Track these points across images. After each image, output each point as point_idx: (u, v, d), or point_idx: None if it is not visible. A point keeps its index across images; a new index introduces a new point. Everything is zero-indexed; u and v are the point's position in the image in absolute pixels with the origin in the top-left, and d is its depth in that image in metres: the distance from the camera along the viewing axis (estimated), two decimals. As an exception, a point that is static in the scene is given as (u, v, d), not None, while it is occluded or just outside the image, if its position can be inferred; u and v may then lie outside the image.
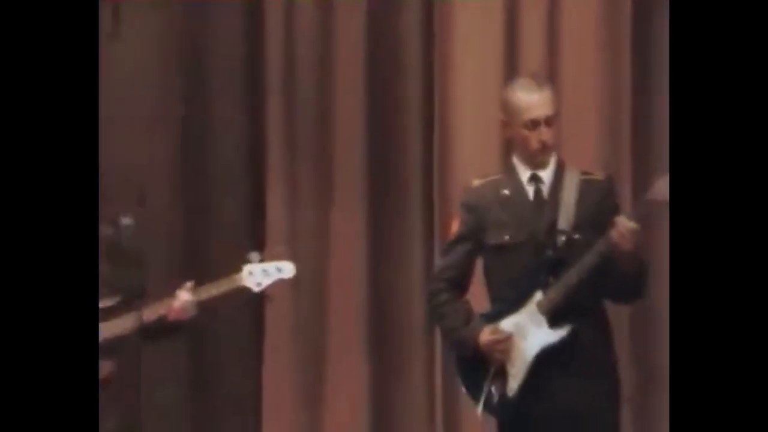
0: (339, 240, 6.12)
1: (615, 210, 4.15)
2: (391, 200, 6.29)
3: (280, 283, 4.84)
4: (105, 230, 4.83)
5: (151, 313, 4.69)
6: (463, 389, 4.52)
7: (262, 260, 4.85)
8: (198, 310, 4.72)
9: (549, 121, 3.90)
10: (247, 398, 6.25)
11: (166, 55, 6.19)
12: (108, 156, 4.89)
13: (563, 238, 4.08)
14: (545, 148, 3.92)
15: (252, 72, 6.21)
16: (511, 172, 4.33)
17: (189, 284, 4.67)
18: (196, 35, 6.34)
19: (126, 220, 5.03)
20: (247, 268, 4.80)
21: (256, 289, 4.83)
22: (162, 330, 4.81)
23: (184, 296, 4.69)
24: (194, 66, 6.29)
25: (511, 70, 5.52)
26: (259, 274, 4.83)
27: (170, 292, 4.73)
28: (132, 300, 4.78)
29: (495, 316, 4.14)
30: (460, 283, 4.30)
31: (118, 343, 4.71)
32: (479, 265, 4.49)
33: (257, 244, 5.77)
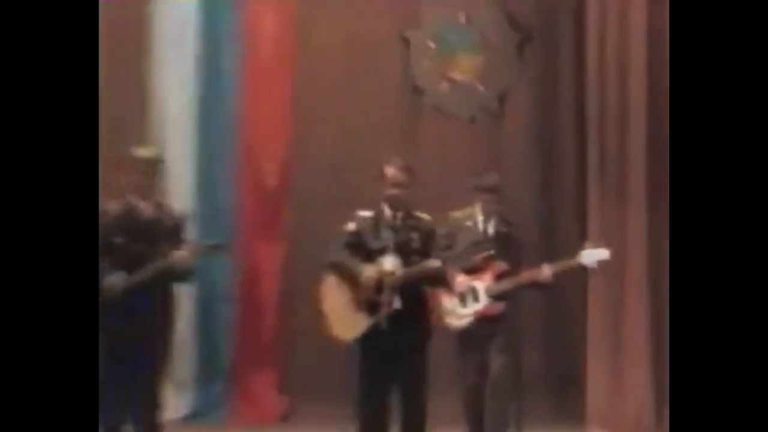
0: (631, 231, 7.25)
1: None
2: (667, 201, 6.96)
3: (600, 263, 5.93)
4: (501, 227, 6.02)
5: (527, 276, 5.91)
6: None
7: (590, 247, 5.92)
8: (553, 278, 5.86)
9: None
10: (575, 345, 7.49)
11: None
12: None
13: None
14: None
15: (578, 97, 7.62)
16: None
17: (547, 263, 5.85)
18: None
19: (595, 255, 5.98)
20: (584, 252, 5.92)
21: (590, 266, 5.95)
22: (529, 288, 5.95)
23: (547, 269, 5.87)
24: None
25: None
26: (590, 256, 5.89)
27: (538, 264, 5.95)
28: (515, 268, 5.94)
29: None
30: None
31: (504, 293, 5.88)
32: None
33: (584, 234, 7.09)
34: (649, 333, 7.12)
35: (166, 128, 7.72)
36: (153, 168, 5.62)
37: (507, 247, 5.98)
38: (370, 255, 5.48)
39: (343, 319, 5.53)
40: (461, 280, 5.86)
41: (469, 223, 6.01)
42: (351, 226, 5.54)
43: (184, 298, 7.21)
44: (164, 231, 5.51)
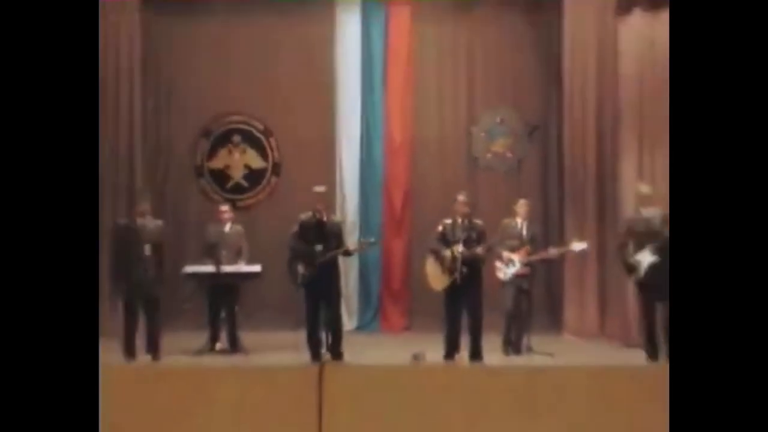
0: (587, 231, 8.87)
1: None
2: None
3: (581, 251, 7.48)
4: (529, 228, 7.31)
5: (542, 255, 7.63)
6: None
7: (577, 240, 7.57)
8: (555, 256, 7.63)
9: None
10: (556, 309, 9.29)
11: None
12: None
13: None
14: None
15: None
16: None
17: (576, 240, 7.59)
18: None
19: (580, 246, 7.25)
20: (574, 243, 7.44)
21: (576, 251, 7.38)
22: (542, 261, 7.67)
23: (552, 250, 7.64)
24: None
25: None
26: (577, 246, 7.35)
27: (546, 248, 7.77)
28: (534, 250, 7.52)
29: None
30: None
31: (529, 263, 7.39)
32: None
33: (563, 233, 9.06)
34: (597, 286, 9.22)
35: (344, 176, 10.05)
36: (324, 197, 7.31)
37: (531, 238, 7.70)
38: (450, 244, 6.87)
39: (436, 279, 7.03)
40: (507, 255, 7.55)
41: (513, 224, 7.69)
42: (439, 227, 7.03)
43: (353, 267, 9.88)
44: (331, 231, 7.22)
